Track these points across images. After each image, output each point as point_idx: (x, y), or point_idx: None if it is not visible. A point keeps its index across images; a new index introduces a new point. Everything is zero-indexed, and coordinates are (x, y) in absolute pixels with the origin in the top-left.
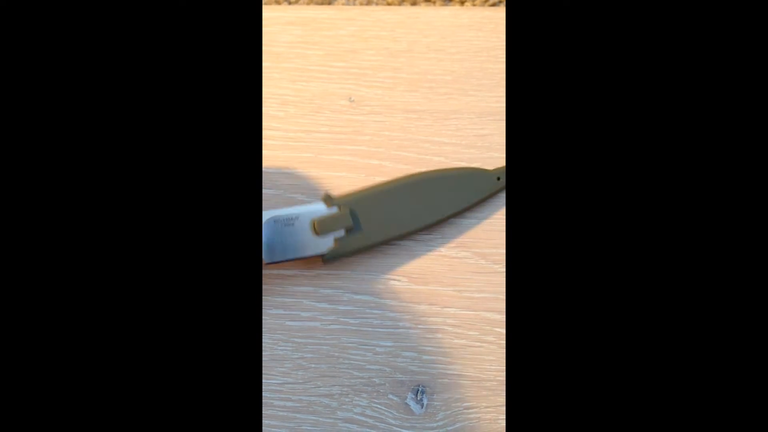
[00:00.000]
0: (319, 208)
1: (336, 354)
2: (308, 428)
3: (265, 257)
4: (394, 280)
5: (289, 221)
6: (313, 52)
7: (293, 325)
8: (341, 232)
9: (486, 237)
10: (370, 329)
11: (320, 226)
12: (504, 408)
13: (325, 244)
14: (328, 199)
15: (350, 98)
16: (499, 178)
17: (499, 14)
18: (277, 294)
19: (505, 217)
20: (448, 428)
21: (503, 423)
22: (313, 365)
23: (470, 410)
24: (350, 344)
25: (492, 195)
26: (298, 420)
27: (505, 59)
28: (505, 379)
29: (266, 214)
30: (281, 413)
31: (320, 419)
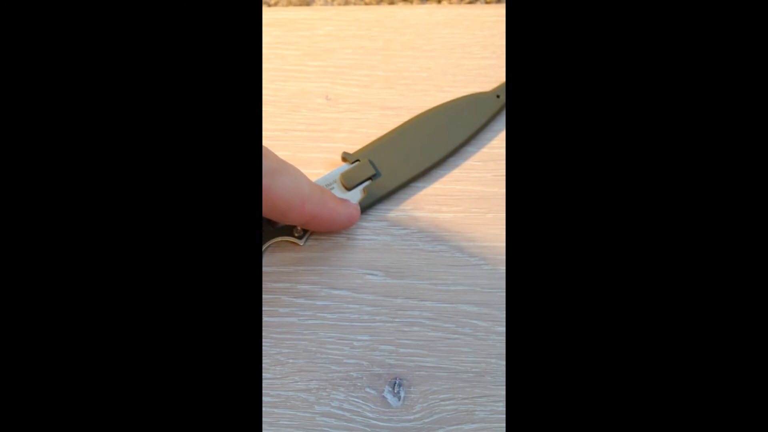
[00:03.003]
0: (345, 167)
1: (313, 349)
2: (286, 423)
3: None
4: (371, 274)
5: (328, 187)
6: (291, 52)
7: (271, 321)
8: (367, 182)
9: (462, 230)
10: (347, 324)
11: (346, 179)
12: (482, 399)
13: (356, 196)
14: (348, 156)
15: (327, 96)
16: (498, 96)
17: (474, 11)
18: None
19: (480, 210)
20: (425, 420)
21: (480, 414)
22: (290, 360)
23: (447, 402)
24: (328, 339)
25: (496, 114)
26: (276, 415)
27: (479, 56)
28: (501, 370)
29: None
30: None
31: (298, 414)
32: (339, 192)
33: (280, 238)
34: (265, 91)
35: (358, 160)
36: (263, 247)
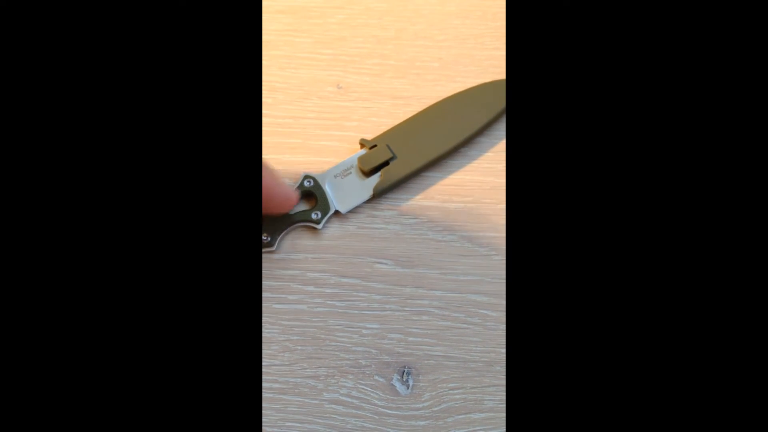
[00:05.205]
0: (362, 153)
1: (322, 336)
2: (294, 410)
3: (341, 209)
4: (381, 263)
5: (345, 172)
6: (302, 40)
7: (280, 308)
8: (384, 166)
9: (472, 221)
10: (356, 312)
11: (364, 163)
12: (491, 389)
13: (373, 180)
14: (365, 142)
15: (338, 85)
16: None
17: (487, 2)
18: (264, 278)
19: (491, 201)
20: (434, 409)
21: (489, 404)
22: (299, 347)
23: (455, 391)
24: (337, 326)
25: None
26: (284, 401)
27: (492, 47)
28: (490, 360)
29: (325, 175)
30: (268, 395)
31: (306, 401)
32: (357, 177)
33: (298, 224)
34: (275, 78)
35: (375, 145)
36: (281, 234)
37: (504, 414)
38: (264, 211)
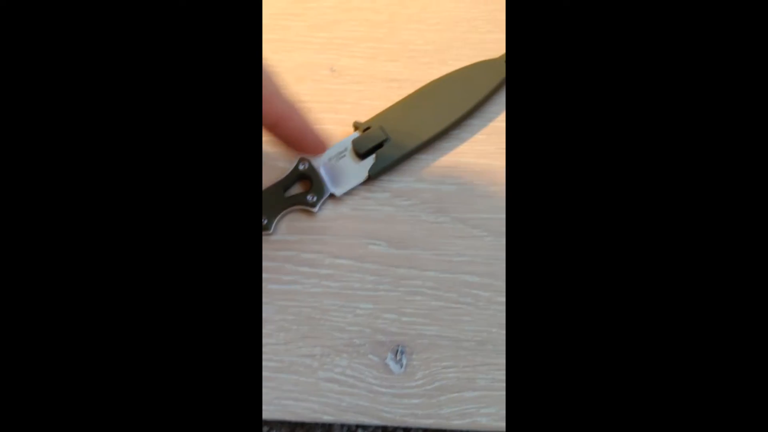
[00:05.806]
0: (356, 135)
1: (317, 316)
2: (290, 388)
3: (336, 192)
4: (375, 244)
5: (340, 155)
6: (296, 23)
7: (275, 288)
8: (378, 148)
9: (464, 202)
10: (350, 292)
11: (358, 145)
12: (483, 367)
13: (368, 162)
14: (359, 124)
15: (332, 68)
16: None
17: None
18: None
19: (483, 183)
20: (427, 387)
21: (481, 382)
22: (294, 327)
23: (449, 369)
24: (331, 306)
25: (503, 82)
26: (280, 380)
27: (484, 30)
28: (483, 339)
29: (320, 158)
30: (264, 374)
31: (301, 379)
32: (351, 160)
33: (294, 207)
34: (269, 62)
35: (369, 127)
36: (277, 217)
37: (498, 392)
38: (297, 151)
